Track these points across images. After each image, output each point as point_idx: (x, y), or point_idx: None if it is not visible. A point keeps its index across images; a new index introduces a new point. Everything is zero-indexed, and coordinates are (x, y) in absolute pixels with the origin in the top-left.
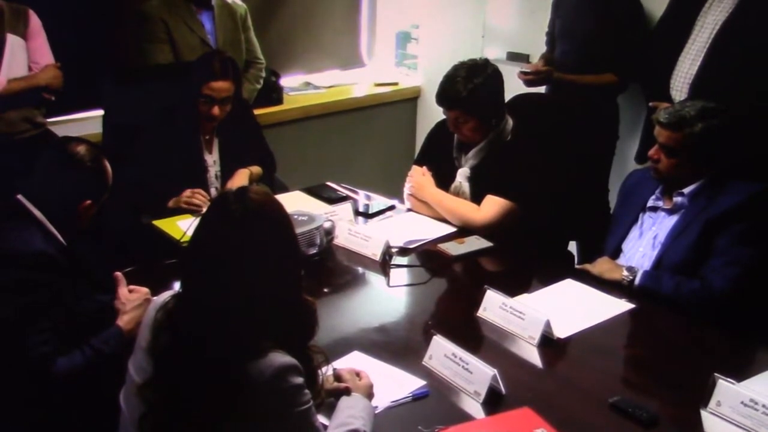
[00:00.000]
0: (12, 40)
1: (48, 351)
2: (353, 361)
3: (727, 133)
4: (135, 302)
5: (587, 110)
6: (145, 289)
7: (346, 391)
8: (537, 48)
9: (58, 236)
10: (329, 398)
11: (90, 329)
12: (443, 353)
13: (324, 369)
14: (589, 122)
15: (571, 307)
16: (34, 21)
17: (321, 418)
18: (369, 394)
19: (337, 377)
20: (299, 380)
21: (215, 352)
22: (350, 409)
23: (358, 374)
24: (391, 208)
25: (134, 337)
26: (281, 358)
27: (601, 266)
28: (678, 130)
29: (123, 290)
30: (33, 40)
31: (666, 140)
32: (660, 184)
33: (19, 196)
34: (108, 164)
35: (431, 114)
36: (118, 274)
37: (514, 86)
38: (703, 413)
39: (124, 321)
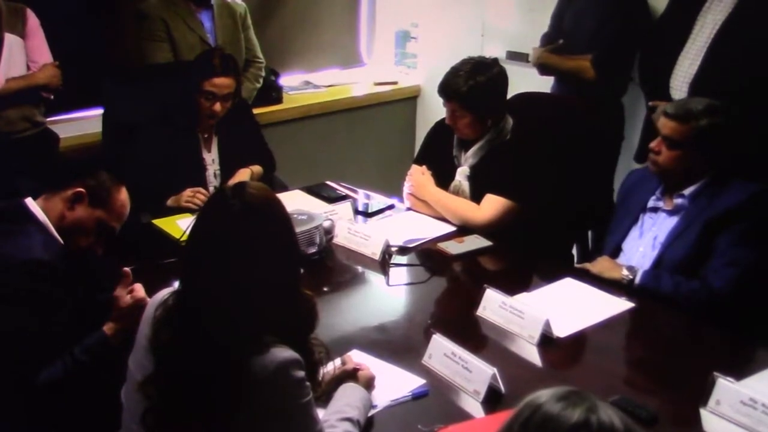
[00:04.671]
0: (10, 39)
1: (34, 364)
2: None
3: (729, 132)
4: (124, 310)
5: (590, 110)
6: (141, 295)
7: (353, 373)
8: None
9: (60, 240)
10: (330, 390)
11: (86, 330)
12: (443, 352)
13: (325, 362)
14: (592, 122)
15: (571, 306)
16: (32, 20)
17: (320, 411)
18: (368, 386)
19: (343, 362)
20: (301, 374)
21: (217, 349)
22: (347, 398)
23: (359, 369)
24: (391, 207)
25: (120, 344)
26: (283, 353)
27: (601, 265)
28: (684, 122)
29: (121, 291)
30: (31, 39)
31: (670, 131)
32: (660, 184)
33: (28, 200)
34: (126, 198)
35: (431, 113)
36: (127, 270)
37: (515, 85)
38: (703, 412)
39: (109, 327)
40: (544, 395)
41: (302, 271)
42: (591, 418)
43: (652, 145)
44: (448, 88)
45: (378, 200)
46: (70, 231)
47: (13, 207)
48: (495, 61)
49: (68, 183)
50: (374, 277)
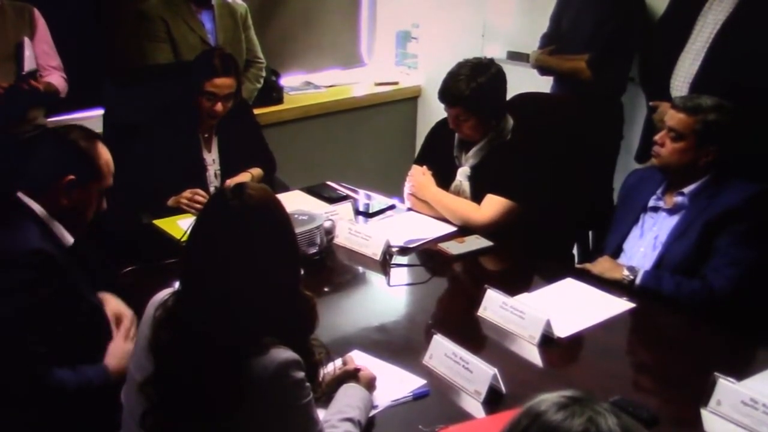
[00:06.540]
0: (25, 43)
1: (42, 352)
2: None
3: (733, 131)
4: (124, 348)
5: (590, 110)
6: (127, 322)
7: (354, 373)
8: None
9: (57, 233)
10: (331, 390)
11: (87, 331)
12: (443, 352)
13: (326, 363)
14: (592, 122)
15: (572, 307)
16: (41, 22)
17: (320, 412)
18: (370, 386)
19: (343, 363)
20: (301, 375)
21: (217, 350)
22: (348, 398)
23: (360, 369)
24: (392, 207)
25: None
26: (284, 354)
27: (602, 265)
28: (692, 114)
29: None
30: (40, 41)
31: (677, 123)
32: (661, 184)
33: (20, 194)
34: (106, 151)
35: (431, 113)
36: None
37: (515, 85)
38: (704, 412)
39: (112, 365)
40: (544, 403)
41: (303, 271)
42: (590, 430)
43: (657, 137)
44: (450, 94)
45: (379, 200)
46: (73, 212)
47: (9, 202)
48: (491, 61)
49: (55, 177)
50: (375, 278)
